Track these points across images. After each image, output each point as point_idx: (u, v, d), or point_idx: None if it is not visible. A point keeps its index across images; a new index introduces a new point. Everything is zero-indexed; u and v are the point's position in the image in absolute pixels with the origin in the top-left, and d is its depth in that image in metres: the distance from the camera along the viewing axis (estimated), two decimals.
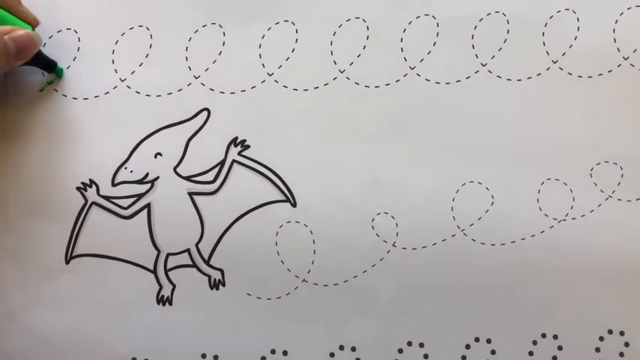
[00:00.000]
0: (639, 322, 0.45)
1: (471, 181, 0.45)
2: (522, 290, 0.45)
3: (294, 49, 0.46)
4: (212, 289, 0.45)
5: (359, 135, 0.46)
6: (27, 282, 0.45)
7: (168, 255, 0.45)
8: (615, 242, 0.45)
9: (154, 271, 0.45)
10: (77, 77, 0.46)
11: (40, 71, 0.46)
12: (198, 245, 0.45)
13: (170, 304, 0.45)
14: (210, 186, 0.45)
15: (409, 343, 0.45)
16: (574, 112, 0.45)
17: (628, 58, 0.45)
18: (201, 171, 0.46)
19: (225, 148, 0.46)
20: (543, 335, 0.45)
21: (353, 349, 0.45)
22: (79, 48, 0.46)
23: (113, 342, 0.45)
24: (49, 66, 0.45)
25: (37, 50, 0.44)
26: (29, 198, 0.46)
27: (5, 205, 0.46)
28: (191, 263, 0.45)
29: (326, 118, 0.46)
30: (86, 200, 0.45)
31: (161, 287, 0.45)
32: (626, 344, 0.45)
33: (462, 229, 0.45)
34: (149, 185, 0.45)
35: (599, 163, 0.45)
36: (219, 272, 0.45)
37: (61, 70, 0.46)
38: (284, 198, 0.45)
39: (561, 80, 0.45)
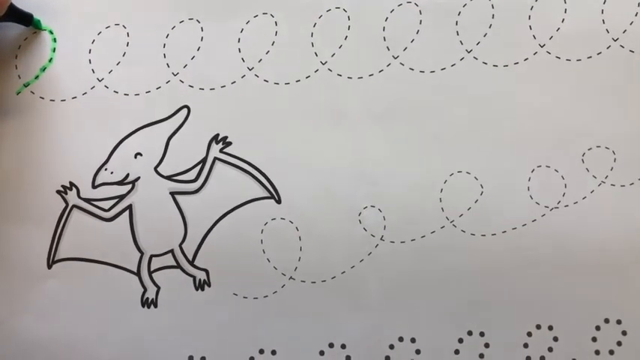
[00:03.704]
0: (636, 310, 0.44)
1: (459, 171, 0.44)
2: (515, 281, 0.44)
3: (273, 42, 0.45)
4: (197, 289, 0.44)
5: (343, 128, 0.45)
6: (9, 288, 0.45)
7: (151, 256, 0.44)
8: (609, 229, 0.44)
9: (138, 274, 0.44)
10: (54, 78, 0.45)
11: (16, 74, 0.45)
12: (182, 246, 0.44)
13: (155, 306, 0.44)
14: (192, 185, 0.44)
15: (400, 339, 0.44)
16: (563, 97, 0.44)
17: (617, 39, 0.44)
18: (182, 170, 0.45)
19: (206, 146, 0.45)
20: (538, 326, 0.44)
21: (343, 346, 0.44)
22: (54, 48, 0.45)
23: (98, 346, 0.44)
24: (25, 19, 0.44)
25: (8, 4, 0.42)
26: (9, 203, 0.45)
27: None
28: (175, 264, 0.44)
29: (309, 111, 0.45)
30: (67, 203, 0.45)
31: (145, 289, 0.44)
32: (624, 333, 0.44)
33: (451, 220, 0.44)
34: (130, 186, 0.44)
35: (590, 149, 0.44)
36: (203, 272, 0.44)
37: (39, 21, 0.45)
38: (268, 195, 0.44)
39: (549, 64, 0.44)
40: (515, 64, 0.44)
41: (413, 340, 0.44)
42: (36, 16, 0.45)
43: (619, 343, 0.44)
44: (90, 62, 0.45)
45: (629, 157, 0.44)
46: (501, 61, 0.45)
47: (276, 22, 0.45)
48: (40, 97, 0.45)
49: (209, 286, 0.44)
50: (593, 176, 0.44)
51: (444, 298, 0.44)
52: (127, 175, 0.44)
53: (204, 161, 0.45)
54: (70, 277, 0.45)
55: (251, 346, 0.44)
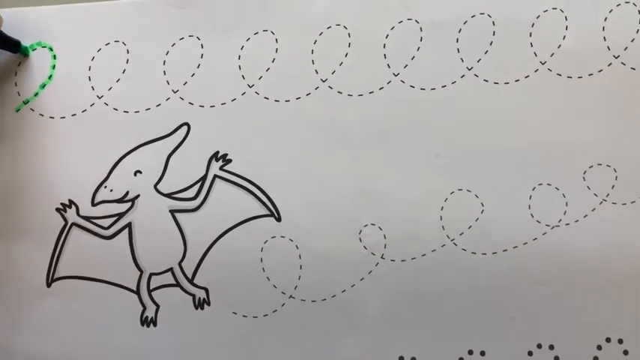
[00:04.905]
0: (638, 329, 0.43)
1: (459, 189, 0.44)
2: (516, 300, 0.43)
3: (274, 60, 0.45)
4: (197, 308, 0.44)
5: (343, 145, 0.45)
6: (8, 307, 0.45)
7: (151, 275, 0.44)
8: (611, 247, 0.43)
9: (137, 292, 0.44)
10: (53, 95, 0.45)
11: (16, 91, 0.45)
12: (182, 264, 0.44)
13: (154, 325, 0.44)
14: (191, 202, 0.44)
15: (401, 358, 0.44)
16: (564, 114, 0.44)
17: (619, 56, 0.44)
18: (182, 187, 0.45)
19: (206, 163, 0.45)
20: (539, 345, 0.44)
21: None
22: (54, 65, 0.45)
23: None
24: (13, 46, 0.44)
25: None
26: (8, 220, 0.45)
27: None
28: (175, 283, 0.44)
29: (309, 129, 0.45)
30: (66, 221, 0.44)
31: (145, 308, 0.44)
32: (625, 352, 0.43)
33: (451, 238, 0.44)
34: (130, 204, 0.44)
35: (591, 166, 0.44)
36: (203, 291, 0.44)
37: (27, 48, 0.45)
38: (268, 212, 0.44)
39: (550, 82, 0.44)
40: (516, 81, 0.44)
41: None
42: (35, 33, 0.45)
43: None
44: (89, 79, 0.45)
45: (630, 176, 0.44)
46: (502, 78, 0.44)
47: (276, 39, 0.45)
48: (40, 115, 0.45)
49: (209, 304, 0.44)
50: (595, 194, 0.44)
51: (444, 317, 0.44)
52: (127, 193, 0.44)
53: (204, 179, 0.44)
54: (69, 295, 0.44)
55: None
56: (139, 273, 0.44)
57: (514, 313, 0.43)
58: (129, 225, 0.44)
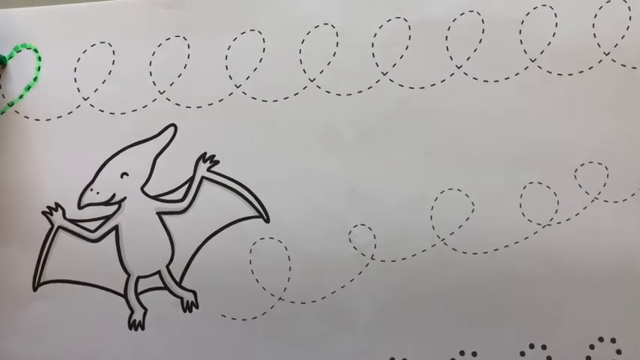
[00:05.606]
0: (631, 328, 0.43)
1: (450, 188, 0.44)
2: (508, 300, 0.43)
3: (261, 59, 0.45)
4: (185, 311, 0.44)
5: (332, 145, 0.44)
6: None
7: (138, 278, 0.44)
8: (603, 246, 0.43)
9: (125, 295, 0.44)
10: (39, 98, 0.45)
11: (0, 93, 0.44)
12: (169, 266, 0.44)
13: (142, 328, 0.44)
14: (179, 204, 0.44)
15: None
16: (555, 112, 0.44)
17: (609, 53, 0.43)
18: (169, 189, 0.44)
19: (193, 165, 0.44)
20: (531, 346, 0.43)
21: None
22: (39, 67, 0.45)
23: None
24: None
25: None
26: None
27: None
28: (162, 285, 0.44)
29: (297, 129, 0.44)
30: (52, 224, 0.44)
31: (132, 312, 0.44)
32: (618, 352, 0.43)
33: (442, 238, 0.44)
34: (116, 206, 0.44)
35: (583, 164, 0.44)
36: (191, 294, 0.44)
37: (5, 57, 0.44)
38: (256, 214, 0.44)
39: (540, 79, 0.44)
40: (506, 79, 0.44)
41: None
42: (20, 34, 0.44)
43: None
44: (75, 81, 0.45)
45: (622, 173, 0.43)
46: (492, 76, 0.44)
47: (263, 39, 0.45)
48: (25, 117, 0.45)
49: (197, 307, 0.44)
50: (586, 192, 0.43)
51: (435, 318, 0.43)
52: (114, 196, 0.44)
53: (191, 180, 0.44)
54: (56, 299, 0.44)
55: None
56: (126, 276, 0.44)
57: (506, 312, 0.43)
58: (116, 228, 0.44)
